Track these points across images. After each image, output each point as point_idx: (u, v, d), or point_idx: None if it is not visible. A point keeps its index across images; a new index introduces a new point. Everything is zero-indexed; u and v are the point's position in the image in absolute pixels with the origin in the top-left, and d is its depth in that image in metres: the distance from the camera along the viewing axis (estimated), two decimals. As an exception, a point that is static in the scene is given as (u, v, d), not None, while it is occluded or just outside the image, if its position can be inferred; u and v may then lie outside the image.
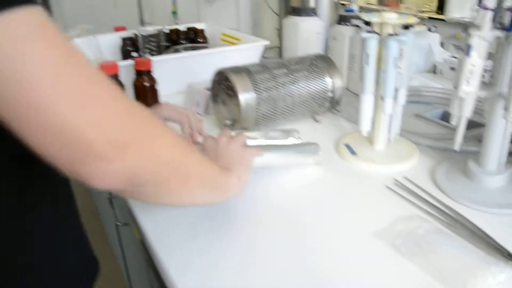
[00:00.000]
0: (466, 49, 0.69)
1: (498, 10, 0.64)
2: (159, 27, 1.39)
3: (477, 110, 0.74)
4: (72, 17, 2.75)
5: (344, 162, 0.86)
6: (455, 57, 1.36)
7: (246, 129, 0.92)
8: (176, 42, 1.46)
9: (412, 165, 0.84)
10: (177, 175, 0.48)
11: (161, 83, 1.05)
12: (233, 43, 1.44)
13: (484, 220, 0.66)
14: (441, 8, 1.88)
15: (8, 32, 0.33)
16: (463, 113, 0.72)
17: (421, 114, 1.07)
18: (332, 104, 1.03)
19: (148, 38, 1.35)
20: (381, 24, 0.79)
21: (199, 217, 0.68)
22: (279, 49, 1.56)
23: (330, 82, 1.00)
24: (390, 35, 0.78)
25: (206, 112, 1.06)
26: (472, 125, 0.84)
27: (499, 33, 0.66)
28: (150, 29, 1.36)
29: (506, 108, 0.67)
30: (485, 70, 0.72)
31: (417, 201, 0.71)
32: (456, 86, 0.72)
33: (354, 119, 0.96)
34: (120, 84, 1.02)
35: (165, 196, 0.50)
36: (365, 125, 0.84)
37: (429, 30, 3.22)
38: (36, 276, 0.53)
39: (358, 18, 1.20)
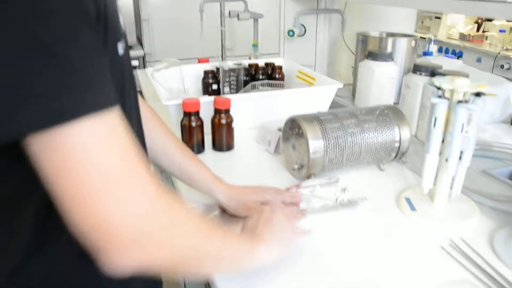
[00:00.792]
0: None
1: None
2: (238, 62, 1.49)
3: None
4: (161, 49, 2.99)
5: (402, 216, 0.89)
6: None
7: (312, 174, 0.98)
8: (254, 77, 1.56)
9: (471, 226, 0.85)
10: (195, 261, 0.53)
11: (235, 119, 1.14)
12: (308, 82, 1.50)
13: (538, 295, 0.67)
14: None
15: (81, 139, 0.40)
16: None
17: (488, 171, 1.07)
18: (398, 154, 1.06)
19: (228, 72, 1.44)
20: (452, 90, 0.82)
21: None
22: (353, 89, 1.61)
23: (398, 133, 1.04)
24: (460, 101, 0.81)
25: (276, 151, 1.13)
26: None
27: None
28: (230, 64, 1.46)
29: None
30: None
31: (471, 266, 0.73)
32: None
33: (419, 170, 0.98)
34: (200, 120, 1.11)
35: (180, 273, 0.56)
36: (427, 183, 0.87)
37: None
38: None
39: (431, 74, 1.23)
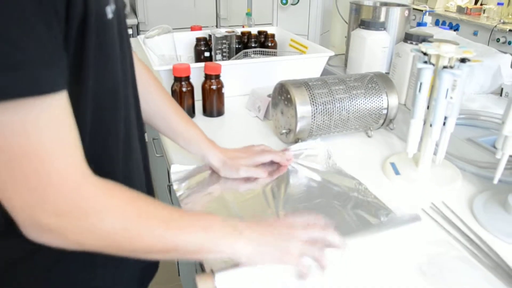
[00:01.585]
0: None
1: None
2: (231, 30, 1.49)
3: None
4: (155, 15, 2.96)
5: (386, 180, 0.91)
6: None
7: (300, 139, 0.99)
8: (246, 45, 1.55)
9: (453, 191, 0.87)
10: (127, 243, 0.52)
11: (226, 86, 1.15)
12: (300, 50, 1.50)
13: (513, 254, 0.69)
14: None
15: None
16: (505, 151, 0.75)
17: (474, 139, 1.08)
18: (386, 121, 1.07)
19: (220, 40, 1.44)
20: (438, 56, 0.83)
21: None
22: (345, 58, 1.61)
23: (386, 100, 1.05)
24: (445, 67, 0.82)
25: (265, 117, 1.15)
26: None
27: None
28: (222, 31, 1.46)
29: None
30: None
31: (450, 228, 0.76)
32: (503, 122, 0.75)
33: (406, 138, 1.00)
34: (190, 85, 1.12)
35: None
36: (412, 148, 0.89)
37: (509, 43, 3.07)
38: None
39: (423, 40, 1.23)
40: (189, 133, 0.87)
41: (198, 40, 1.52)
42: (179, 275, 1.83)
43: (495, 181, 0.78)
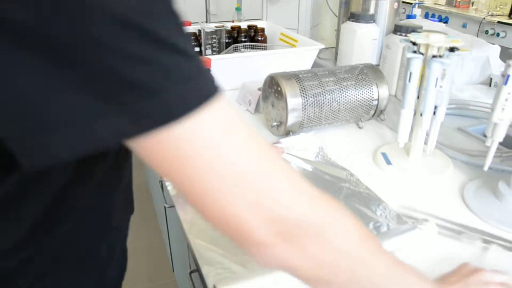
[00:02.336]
0: (505, 78, 0.73)
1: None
2: (221, 24, 1.48)
3: None
4: None
5: (378, 170, 0.91)
6: None
7: (291, 131, 0.99)
8: (236, 39, 1.55)
9: (444, 179, 0.88)
10: (346, 274, 0.43)
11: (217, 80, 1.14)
12: (290, 44, 1.50)
13: (502, 240, 0.70)
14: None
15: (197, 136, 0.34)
16: (495, 138, 0.75)
17: (464, 128, 1.09)
18: (376, 112, 1.08)
19: (210, 34, 1.44)
20: (427, 45, 0.84)
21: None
22: (335, 51, 1.61)
23: (376, 91, 1.05)
24: (434, 56, 0.82)
25: (256, 110, 1.15)
26: None
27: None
28: (212, 26, 1.45)
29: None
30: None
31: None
32: (493, 109, 0.76)
33: (397, 128, 1.00)
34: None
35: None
36: (402, 138, 0.89)
37: (497, 35, 3.09)
38: None
39: (412, 31, 1.24)
40: None
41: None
42: (173, 270, 1.83)
43: (485, 168, 0.78)
